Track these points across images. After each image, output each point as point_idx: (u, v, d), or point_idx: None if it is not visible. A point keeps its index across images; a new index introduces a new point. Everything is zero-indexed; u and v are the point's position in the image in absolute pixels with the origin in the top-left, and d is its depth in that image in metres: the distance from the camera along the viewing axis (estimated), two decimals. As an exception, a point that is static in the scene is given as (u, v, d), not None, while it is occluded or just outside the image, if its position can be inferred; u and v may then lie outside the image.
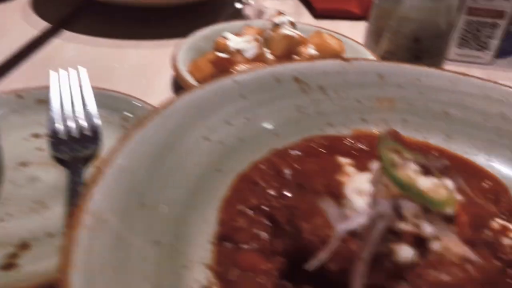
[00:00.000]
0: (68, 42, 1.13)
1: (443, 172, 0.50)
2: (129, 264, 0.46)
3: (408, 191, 0.44)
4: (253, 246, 0.55)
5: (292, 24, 0.96)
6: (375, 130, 0.78)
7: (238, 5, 1.26)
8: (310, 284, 0.48)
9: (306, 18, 1.37)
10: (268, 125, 0.73)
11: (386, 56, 0.96)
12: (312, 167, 0.58)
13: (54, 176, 0.68)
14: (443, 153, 0.73)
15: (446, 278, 0.42)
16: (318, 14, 1.36)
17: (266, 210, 0.60)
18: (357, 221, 0.44)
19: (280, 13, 0.98)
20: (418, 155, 0.51)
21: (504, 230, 0.59)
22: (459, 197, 0.50)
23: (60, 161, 0.71)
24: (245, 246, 0.55)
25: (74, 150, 0.71)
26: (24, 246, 0.56)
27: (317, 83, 0.78)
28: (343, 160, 0.57)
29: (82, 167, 0.67)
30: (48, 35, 1.13)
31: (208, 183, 0.63)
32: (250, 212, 0.60)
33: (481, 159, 0.72)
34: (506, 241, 0.57)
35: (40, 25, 1.19)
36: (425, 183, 0.47)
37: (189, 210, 0.58)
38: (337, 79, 0.78)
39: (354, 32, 1.28)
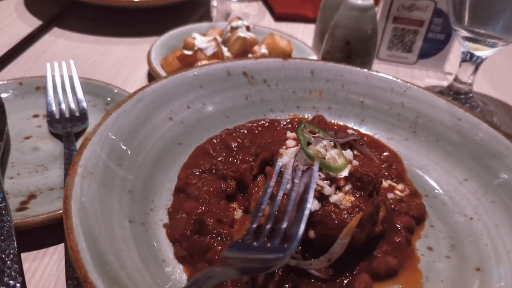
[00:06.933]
0: (58, 38, 1.30)
1: (347, 145, 0.71)
2: (110, 202, 0.66)
3: (315, 161, 0.64)
4: (197, 196, 0.74)
5: (247, 28, 1.16)
6: (307, 115, 0.98)
7: (214, 3, 1.44)
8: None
9: (267, 20, 1.56)
10: (221, 109, 0.93)
11: (326, 55, 1.17)
12: (265, 141, 0.77)
13: (51, 146, 0.87)
14: (356, 133, 0.94)
15: (336, 222, 0.61)
16: (277, 17, 1.56)
17: (214, 170, 0.80)
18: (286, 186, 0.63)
19: (239, 18, 1.18)
20: (327, 134, 0.71)
21: (391, 188, 0.81)
22: (356, 162, 0.67)
23: (55, 135, 0.89)
24: (193, 195, 0.74)
25: (66, 127, 0.90)
26: (31, 196, 0.75)
27: (262, 76, 0.98)
28: (290, 134, 0.74)
29: (73, 139, 0.86)
30: (40, 31, 1.31)
31: (172, 152, 0.83)
32: (202, 173, 0.80)
33: (384, 138, 0.94)
34: (390, 195, 0.79)
35: (33, 22, 1.36)
36: (331, 154, 0.66)
37: (156, 171, 0.78)
38: (277, 74, 0.98)
39: (307, 33, 1.49)
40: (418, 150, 0.90)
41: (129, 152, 0.75)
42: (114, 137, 0.74)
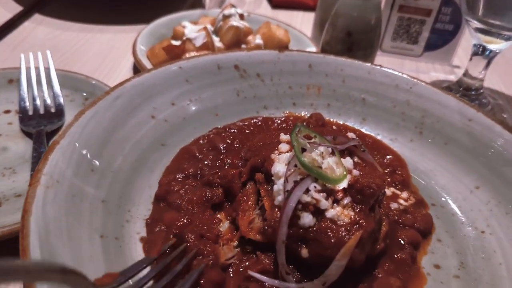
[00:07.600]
0: (39, 25, 1.22)
1: (346, 151, 0.62)
2: (80, 216, 0.58)
3: (310, 171, 0.56)
4: (179, 205, 0.67)
5: (241, 16, 1.07)
6: (304, 113, 0.90)
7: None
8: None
9: (264, 7, 1.47)
10: (209, 106, 0.85)
11: (326, 47, 1.08)
12: (256, 144, 0.69)
13: (22, 146, 0.79)
14: (357, 133, 0.86)
15: (333, 240, 0.54)
16: (275, 4, 1.47)
17: (200, 175, 0.72)
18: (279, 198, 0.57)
19: (232, 5, 1.09)
20: (325, 139, 0.63)
21: (394, 196, 0.74)
22: (356, 172, 0.59)
23: (28, 134, 0.82)
24: (174, 205, 0.67)
25: (40, 125, 0.82)
26: (-5, 203, 0.68)
27: (255, 70, 0.90)
28: (283, 137, 0.66)
29: (44, 140, 0.78)
30: (20, 18, 1.22)
31: (153, 155, 0.75)
32: (186, 179, 0.72)
33: (387, 139, 0.86)
34: (393, 205, 0.71)
35: (14, 7, 1.27)
36: (328, 162, 0.58)
37: (135, 176, 0.71)
38: (272, 67, 0.90)
39: (306, 22, 1.40)
40: (424, 153, 0.82)
41: (103, 156, 0.67)
42: (86, 140, 0.66)
